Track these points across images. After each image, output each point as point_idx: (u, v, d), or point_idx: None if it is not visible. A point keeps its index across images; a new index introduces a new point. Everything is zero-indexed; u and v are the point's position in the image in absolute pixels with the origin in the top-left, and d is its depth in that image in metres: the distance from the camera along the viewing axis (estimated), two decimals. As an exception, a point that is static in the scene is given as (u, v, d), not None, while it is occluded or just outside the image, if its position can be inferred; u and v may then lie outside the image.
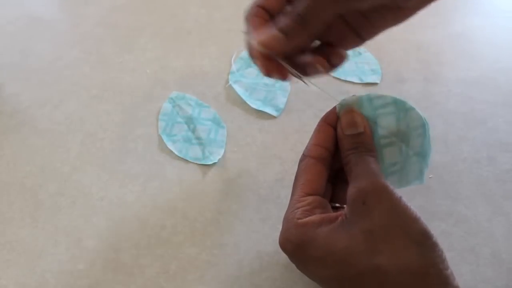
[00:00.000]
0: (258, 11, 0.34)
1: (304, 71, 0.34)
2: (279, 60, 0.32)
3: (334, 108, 0.35)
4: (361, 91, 0.49)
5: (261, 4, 0.33)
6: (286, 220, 0.32)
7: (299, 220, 0.31)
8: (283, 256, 0.37)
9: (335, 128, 0.34)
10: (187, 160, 0.43)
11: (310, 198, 0.32)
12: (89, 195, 0.41)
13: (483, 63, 0.52)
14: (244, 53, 0.52)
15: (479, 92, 0.49)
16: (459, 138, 0.45)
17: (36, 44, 0.54)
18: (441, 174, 0.42)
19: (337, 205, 0.36)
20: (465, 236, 0.38)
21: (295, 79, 0.34)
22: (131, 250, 0.38)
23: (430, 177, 0.42)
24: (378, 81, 0.50)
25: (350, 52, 0.54)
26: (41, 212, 0.40)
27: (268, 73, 0.33)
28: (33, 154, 0.44)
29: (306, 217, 0.31)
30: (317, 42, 0.35)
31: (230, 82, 0.49)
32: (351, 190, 0.30)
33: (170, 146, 0.44)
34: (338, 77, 0.50)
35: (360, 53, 0.52)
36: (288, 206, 0.33)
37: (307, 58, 0.34)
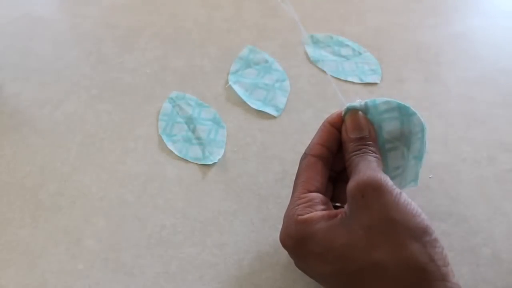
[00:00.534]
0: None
1: None
2: None
3: (339, 111, 0.35)
4: (361, 91, 0.49)
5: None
6: (287, 216, 0.32)
7: (300, 217, 0.31)
8: (283, 256, 0.37)
9: (338, 131, 0.34)
10: (187, 160, 0.43)
11: (311, 195, 0.32)
12: (89, 195, 0.41)
13: (483, 63, 0.52)
14: (244, 53, 0.52)
15: (479, 92, 0.49)
16: (459, 138, 0.45)
17: (36, 44, 0.54)
18: (441, 174, 0.42)
19: (338, 204, 0.36)
20: (465, 236, 0.38)
21: None
22: (131, 250, 0.38)
23: (430, 177, 0.42)
24: (378, 81, 0.50)
25: (350, 52, 0.54)
26: (41, 212, 0.40)
27: None
28: (33, 154, 0.44)
29: (307, 213, 0.31)
30: None
31: (230, 82, 0.49)
32: (351, 184, 0.30)
33: (170, 146, 0.44)
34: (338, 77, 0.50)
35: (360, 53, 0.52)
36: (289, 204, 0.33)
37: None
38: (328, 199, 0.33)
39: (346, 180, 0.32)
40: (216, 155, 0.43)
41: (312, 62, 0.52)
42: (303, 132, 0.45)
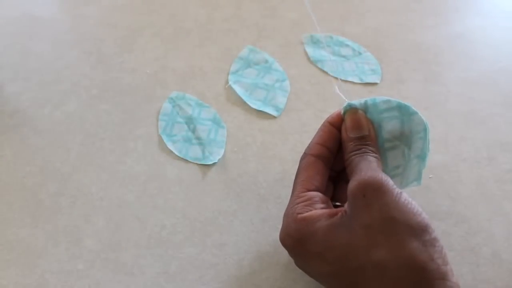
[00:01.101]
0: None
1: None
2: None
3: (340, 110, 0.35)
4: (361, 91, 0.49)
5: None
6: (287, 215, 0.32)
7: (299, 215, 0.31)
8: (283, 256, 0.37)
9: (338, 130, 0.34)
10: (187, 160, 0.43)
11: (310, 194, 0.32)
12: (89, 195, 0.41)
13: (483, 63, 0.52)
14: (244, 53, 0.52)
15: (479, 92, 0.49)
16: (459, 138, 0.45)
17: (36, 44, 0.54)
18: (441, 174, 0.42)
19: (338, 203, 0.36)
20: (465, 236, 0.38)
21: None
22: (131, 250, 0.38)
23: (430, 177, 0.42)
24: (378, 81, 0.50)
25: (350, 52, 0.54)
26: (41, 212, 0.40)
27: None
28: (33, 154, 0.44)
29: (306, 212, 0.31)
30: None
31: (230, 82, 0.49)
32: (352, 184, 0.30)
33: (170, 146, 0.44)
34: (338, 77, 0.50)
35: (360, 53, 0.52)
36: (289, 202, 0.33)
37: None
38: (328, 198, 0.33)
39: (346, 179, 0.32)
40: (216, 155, 0.43)
41: (312, 62, 0.52)
42: (303, 132, 0.45)
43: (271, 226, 0.39)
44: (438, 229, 0.38)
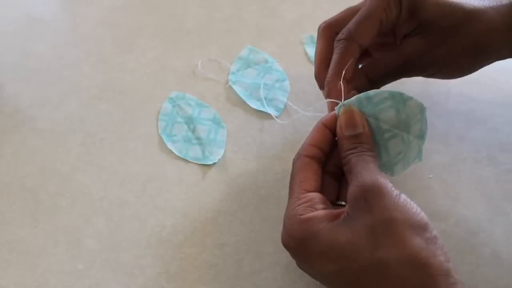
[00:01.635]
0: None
1: None
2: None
3: (334, 111, 0.35)
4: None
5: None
6: (288, 217, 0.32)
7: (302, 216, 0.31)
8: (283, 256, 0.37)
9: (332, 131, 0.35)
10: (187, 160, 0.43)
11: (310, 195, 0.32)
12: (89, 195, 0.41)
13: (483, 63, 0.52)
14: (244, 53, 0.52)
15: (479, 92, 0.49)
16: (459, 138, 0.45)
17: (36, 44, 0.54)
18: (441, 174, 0.42)
19: (343, 203, 0.36)
20: (465, 236, 0.38)
21: None
22: (131, 250, 0.38)
23: (430, 177, 0.42)
24: (378, 81, 0.50)
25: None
26: (41, 212, 0.40)
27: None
28: (33, 154, 0.44)
29: (308, 213, 0.31)
30: None
31: (230, 82, 0.49)
32: (352, 189, 0.30)
33: (170, 146, 0.44)
34: (338, 77, 0.50)
35: (360, 53, 0.52)
36: (288, 205, 0.33)
37: None
38: (326, 198, 0.33)
39: None
40: (216, 155, 0.43)
41: (312, 62, 0.52)
42: (303, 132, 0.45)
43: (271, 226, 0.39)
44: (438, 229, 0.38)
